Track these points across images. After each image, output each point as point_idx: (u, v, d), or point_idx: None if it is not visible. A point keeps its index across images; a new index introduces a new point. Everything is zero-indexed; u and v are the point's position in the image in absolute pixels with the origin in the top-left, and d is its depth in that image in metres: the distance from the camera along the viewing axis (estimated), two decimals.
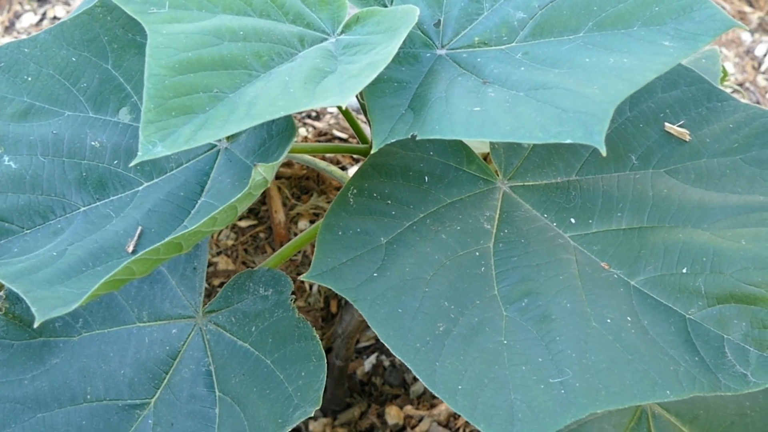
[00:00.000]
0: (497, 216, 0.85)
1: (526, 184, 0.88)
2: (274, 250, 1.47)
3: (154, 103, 0.72)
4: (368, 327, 1.33)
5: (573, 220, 0.85)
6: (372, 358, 1.38)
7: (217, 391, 0.91)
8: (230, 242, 1.47)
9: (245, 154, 0.86)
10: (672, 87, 0.91)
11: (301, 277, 0.79)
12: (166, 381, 0.93)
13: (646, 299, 0.80)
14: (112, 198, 0.86)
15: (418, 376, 0.75)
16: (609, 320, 0.78)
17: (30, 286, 0.72)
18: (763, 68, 1.67)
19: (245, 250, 1.48)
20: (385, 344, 0.76)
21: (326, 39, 0.83)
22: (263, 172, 0.74)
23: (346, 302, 1.30)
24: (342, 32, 0.84)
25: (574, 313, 0.78)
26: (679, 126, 0.89)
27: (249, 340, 0.90)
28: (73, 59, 0.91)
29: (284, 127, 0.83)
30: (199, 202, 0.84)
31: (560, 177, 0.88)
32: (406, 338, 0.77)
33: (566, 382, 0.73)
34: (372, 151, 0.74)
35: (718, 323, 0.78)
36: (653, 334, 0.77)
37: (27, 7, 1.89)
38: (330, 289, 1.17)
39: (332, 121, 1.64)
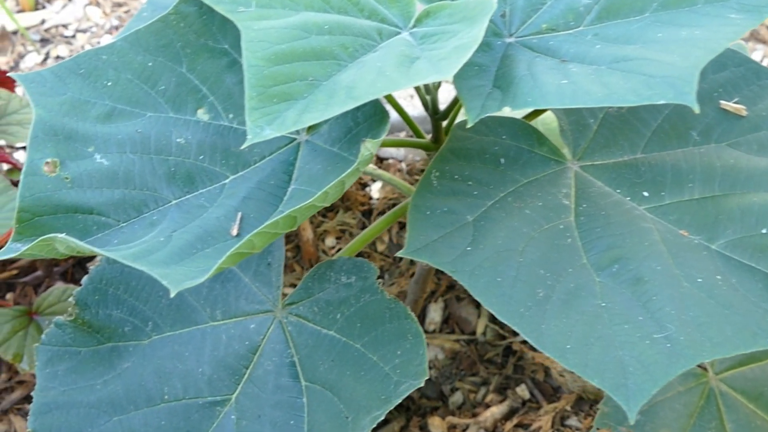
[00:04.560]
0: (573, 193, 0.89)
1: (595, 163, 0.92)
2: (303, 269, 1.50)
3: (256, 91, 0.76)
4: None
5: (646, 194, 0.89)
6: None
7: (302, 380, 0.92)
8: None
9: (330, 143, 0.89)
10: (722, 69, 0.96)
11: (397, 254, 0.82)
12: (247, 376, 0.94)
13: (730, 261, 0.84)
14: (201, 191, 0.89)
15: (526, 338, 0.78)
16: (699, 280, 0.81)
17: (150, 266, 0.74)
18: None
19: None
20: (489, 310, 0.79)
21: (400, 33, 0.87)
22: (370, 147, 0.77)
23: None
24: (414, 26, 0.88)
25: (665, 274, 0.82)
26: (734, 103, 0.94)
27: (334, 327, 0.92)
28: (150, 64, 0.94)
29: (372, 113, 0.86)
30: (290, 189, 0.87)
31: (626, 155, 0.92)
32: (509, 304, 0.80)
33: (670, 336, 0.77)
34: (468, 125, 0.77)
35: None
36: (743, 291, 0.81)
37: (30, 47, 1.90)
38: None
39: None
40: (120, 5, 1.97)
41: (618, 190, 0.90)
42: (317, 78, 0.78)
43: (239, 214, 0.83)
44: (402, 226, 1.53)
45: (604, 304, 0.80)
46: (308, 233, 1.52)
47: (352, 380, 0.89)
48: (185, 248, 0.80)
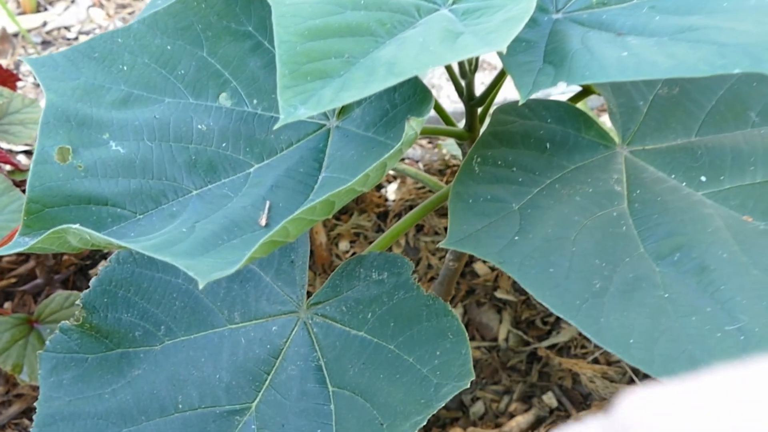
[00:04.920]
0: (625, 179, 0.83)
1: (646, 148, 0.86)
2: (315, 274, 1.43)
3: (289, 68, 0.69)
4: None
5: (703, 178, 0.82)
6: None
7: (330, 386, 0.85)
8: None
9: (363, 128, 0.82)
10: None
11: (439, 245, 0.76)
12: (268, 382, 0.87)
13: None
14: (224, 180, 0.82)
15: (585, 333, 0.71)
16: None
17: (174, 257, 0.67)
18: None
19: None
20: (543, 303, 0.72)
21: (438, 9, 0.81)
22: (415, 126, 0.71)
23: None
24: (453, 2, 0.82)
25: (732, 262, 0.75)
26: None
27: (365, 328, 0.85)
28: (168, 47, 0.88)
29: (412, 93, 0.80)
30: (321, 176, 0.80)
31: (680, 139, 0.86)
32: (564, 296, 0.73)
33: (744, 328, 0.70)
34: (520, 103, 0.71)
35: None
36: None
37: (31, 50, 1.85)
38: None
39: None
40: (124, 7, 1.91)
41: (672, 176, 0.83)
42: (354, 55, 0.72)
43: (268, 203, 0.77)
44: (419, 228, 1.47)
45: (667, 295, 0.74)
46: (321, 236, 1.46)
47: (387, 384, 0.82)
48: (210, 239, 0.74)
